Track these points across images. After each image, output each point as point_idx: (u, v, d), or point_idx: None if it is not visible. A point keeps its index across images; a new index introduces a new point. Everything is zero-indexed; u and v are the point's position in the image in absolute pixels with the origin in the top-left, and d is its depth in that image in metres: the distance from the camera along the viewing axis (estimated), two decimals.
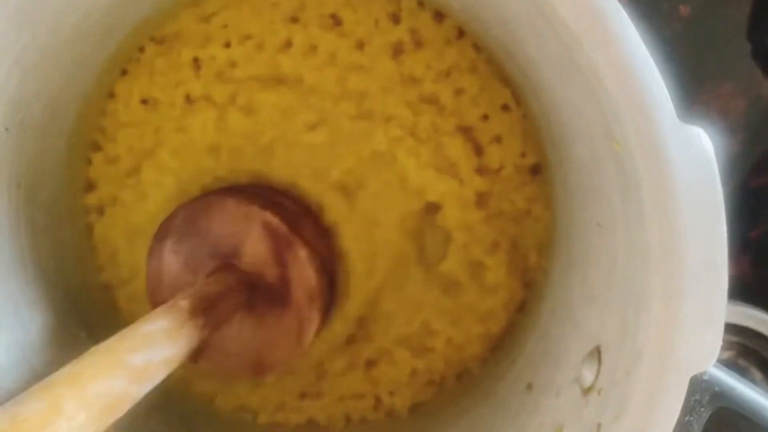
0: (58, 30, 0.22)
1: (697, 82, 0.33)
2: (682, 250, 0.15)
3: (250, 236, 0.25)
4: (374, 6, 0.27)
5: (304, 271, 0.25)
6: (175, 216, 0.26)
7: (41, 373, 0.24)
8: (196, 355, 0.21)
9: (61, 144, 0.27)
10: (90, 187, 0.29)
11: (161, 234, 0.26)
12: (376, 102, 0.27)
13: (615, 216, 0.17)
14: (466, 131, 0.28)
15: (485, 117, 0.28)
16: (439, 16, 0.27)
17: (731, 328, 0.31)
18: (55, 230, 0.28)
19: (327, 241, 0.28)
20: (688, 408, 0.17)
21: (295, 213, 0.27)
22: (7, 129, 0.23)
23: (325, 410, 0.29)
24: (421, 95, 0.27)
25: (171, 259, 0.26)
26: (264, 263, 0.25)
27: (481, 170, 0.28)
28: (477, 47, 0.27)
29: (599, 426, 0.17)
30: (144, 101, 0.29)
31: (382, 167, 0.27)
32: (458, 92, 0.27)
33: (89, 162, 0.29)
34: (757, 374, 0.32)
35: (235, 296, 0.24)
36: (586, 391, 0.18)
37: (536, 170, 0.28)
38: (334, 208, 0.28)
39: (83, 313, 0.28)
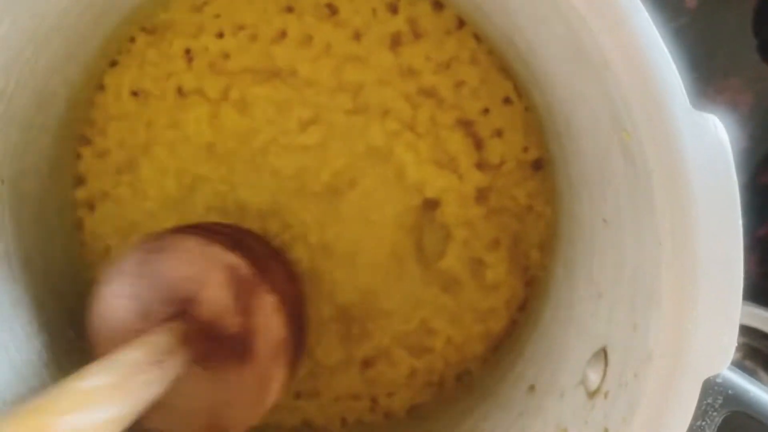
0: (42, 16, 0.21)
1: (704, 76, 0.32)
2: (695, 244, 0.14)
3: (211, 280, 0.22)
4: None
5: (270, 321, 0.22)
6: (126, 256, 0.23)
7: (24, 372, 0.23)
8: (143, 413, 0.17)
9: (49, 137, 0.26)
10: (79, 181, 0.29)
11: (110, 275, 0.23)
12: (372, 95, 0.26)
13: (622, 210, 0.16)
14: (466, 125, 0.27)
15: (486, 110, 0.27)
16: (438, 5, 0.26)
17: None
18: (43, 225, 0.27)
19: (297, 284, 0.26)
20: (701, 412, 0.16)
21: (263, 255, 0.24)
22: None
23: (320, 411, 0.29)
24: (419, 88, 0.27)
25: (119, 304, 0.22)
26: (225, 311, 0.22)
27: (481, 165, 0.27)
28: (477, 38, 0.26)
29: (606, 430, 0.16)
30: (135, 93, 0.28)
31: (378, 162, 0.27)
32: (458, 85, 0.27)
33: (78, 156, 0.28)
34: (765, 376, 0.31)
35: (191, 348, 0.21)
36: (592, 393, 0.17)
37: (538, 165, 0.27)
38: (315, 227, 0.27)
39: (71, 310, 0.27)
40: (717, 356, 0.14)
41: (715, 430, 0.16)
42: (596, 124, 0.16)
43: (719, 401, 0.16)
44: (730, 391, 0.16)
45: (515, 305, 0.28)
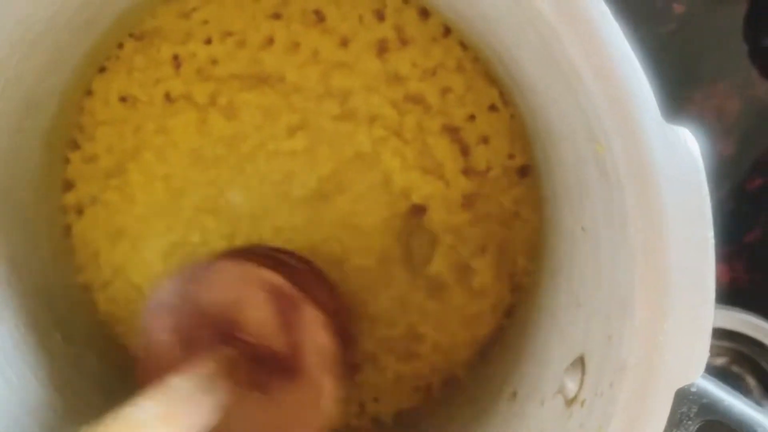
0: (29, 23, 0.21)
1: (691, 82, 0.32)
2: (667, 257, 0.14)
3: (251, 301, 0.22)
4: (358, 2, 0.26)
5: (316, 336, 0.22)
6: (163, 288, 0.23)
7: (9, 376, 0.23)
8: None
9: (37, 141, 0.26)
10: (68, 186, 0.29)
11: (150, 310, 0.23)
12: (360, 101, 0.27)
13: (599, 221, 0.16)
14: (452, 131, 0.27)
15: (472, 117, 0.27)
16: (424, 12, 0.26)
17: (725, 334, 0.31)
18: (31, 229, 0.27)
19: (337, 298, 0.25)
20: (675, 421, 0.16)
21: (299, 270, 0.24)
22: None
23: None
24: (406, 94, 0.27)
25: (163, 337, 0.22)
26: (269, 330, 0.22)
27: (467, 171, 0.27)
28: (463, 45, 0.26)
29: None
30: (123, 99, 0.28)
31: (366, 168, 0.27)
32: (444, 91, 0.27)
33: (67, 161, 0.28)
34: (751, 381, 0.31)
35: (240, 372, 0.21)
36: (570, 401, 0.17)
37: (524, 172, 0.27)
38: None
39: (59, 314, 0.27)
40: (689, 367, 0.14)
41: None
42: (573, 134, 0.16)
43: (694, 410, 0.16)
44: (704, 400, 0.16)
45: (501, 311, 0.28)
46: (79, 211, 0.29)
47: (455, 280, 0.28)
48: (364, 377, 0.28)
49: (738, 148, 0.32)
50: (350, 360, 0.25)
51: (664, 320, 0.14)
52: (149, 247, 0.28)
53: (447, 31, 0.26)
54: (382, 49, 0.27)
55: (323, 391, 0.22)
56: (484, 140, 0.27)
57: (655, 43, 0.31)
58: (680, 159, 0.14)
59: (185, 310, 0.22)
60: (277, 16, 0.27)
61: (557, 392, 0.19)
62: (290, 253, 0.25)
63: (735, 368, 0.31)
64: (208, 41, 0.27)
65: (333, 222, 0.27)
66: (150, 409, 0.16)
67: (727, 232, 0.32)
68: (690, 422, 0.16)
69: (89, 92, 0.28)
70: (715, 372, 0.32)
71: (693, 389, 0.16)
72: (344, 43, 0.27)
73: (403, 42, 0.27)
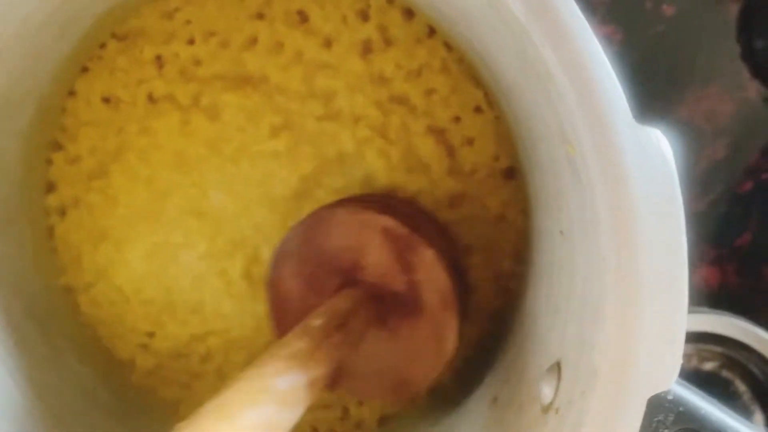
0: (2, 23, 0.21)
1: (682, 84, 0.32)
2: (638, 262, 0.13)
3: (370, 245, 0.23)
4: (342, 2, 0.26)
5: (433, 273, 0.23)
6: (288, 239, 0.24)
7: None
8: (332, 381, 0.19)
9: (18, 142, 0.26)
10: (51, 187, 0.28)
11: (278, 260, 0.24)
12: (344, 102, 0.26)
13: (573, 224, 0.16)
14: (437, 133, 0.27)
15: (457, 118, 0.27)
16: (408, 13, 0.26)
17: (715, 339, 0.30)
18: (12, 231, 0.27)
19: (448, 238, 0.26)
20: (651, 429, 0.16)
21: (411, 215, 0.25)
22: None
23: None
24: (391, 95, 0.26)
25: (292, 285, 0.24)
26: (389, 272, 0.23)
27: (453, 172, 0.27)
28: (448, 46, 0.26)
29: None
30: (106, 99, 0.28)
31: (347, 168, 0.26)
32: (429, 92, 0.26)
33: (50, 162, 0.28)
34: (741, 386, 0.31)
35: (365, 311, 0.22)
36: (546, 408, 0.17)
37: (510, 174, 0.27)
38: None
39: (40, 316, 0.27)
40: (662, 374, 0.14)
41: None
42: (549, 136, 0.16)
43: (670, 418, 0.16)
44: (681, 408, 0.16)
45: (487, 314, 0.28)
46: (62, 213, 0.28)
47: None
48: None
49: (729, 150, 0.32)
50: (466, 294, 0.26)
51: (635, 327, 0.14)
52: (132, 249, 0.28)
53: (431, 31, 0.26)
54: (366, 49, 0.26)
55: (444, 326, 0.23)
56: (469, 142, 0.27)
57: (645, 44, 0.31)
58: (652, 160, 0.13)
59: (310, 256, 0.24)
60: (260, 17, 0.27)
61: (535, 398, 0.18)
62: (398, 198, 0.26)
63: (724, 373, 0.31)
64: (191, 41, 0.27)
65: None
66: (297, 345, 0.18)
67: (718, 235, 0.32)
68: (666, 430, 0.16)
69: (72, 93, 0.28)
70: (704, 376, 0.31)
71: (669, 397, 0.16)
72: (328, 43, 0.26)
73: (387, 42, 0.26)
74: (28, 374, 0.25)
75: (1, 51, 0.22)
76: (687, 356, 0.31)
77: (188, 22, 0.27)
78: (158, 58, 0.27)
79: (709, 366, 0.31)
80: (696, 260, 0.32)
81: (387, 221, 0.23)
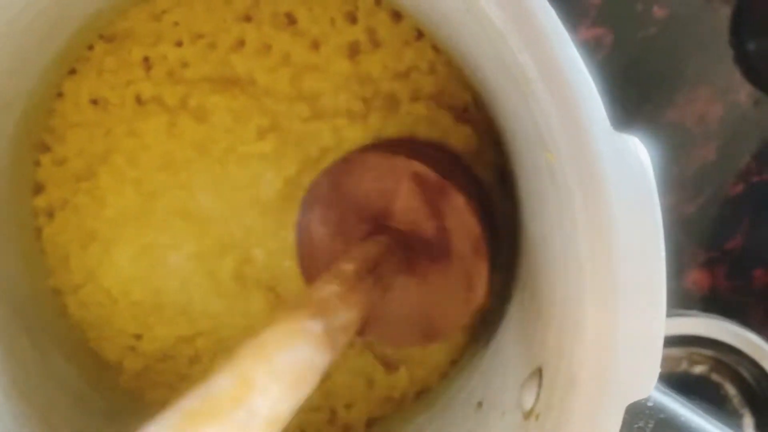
0: None
1: (673, 87, 0.32)
2: (615, 270, 0.13)
3: (400, 191, 0.23)
4: (330, 5, 0.26)
5: (463, 219, 0.23)
6: (317, 184, 0.24)
7: None
8: (361, 327, 0.18)
9: (5, 144, 0.26)
10: (39, 189, 0.28)
11: (307, 205, 0.24)
12: (328, 101, 0.26)
13: (554, 230, 0.16)
14: None
15: None
16: (396, 16, 0.26)
17: (705, 342, 0.30)
18: (1, 233, 0.27)
19: (479, 183, 0.26)
20: None
21: (443, 160, 0.25)
22: None
23: None
24: (376, 93, 0.26)
25: (321, 230, 0.24)
26: (419, 217, 0.23)
27: None
28: (436, 49, 0.26)
29: None
30: (94, 101, 0.28)
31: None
32: (416, 93, 0.26)
33: (37, 163, 0.28)
34: (731, 390, 0.31)
35: (395, 257, 0.22)
36: (527, 414, 0.17)
37: (502, 178, 0.27)
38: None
39: (28, 318, 0.27)
40: (640, 382, 0.14)
41: None
42: (529, 142, 0.16)
43: (651, 425, 0.16)
44: (661, 415, 0.16)
45: (478, 318, 0.28)
46: (50, 215, 0.28)
47: None
48: (336, 383, 0.28)
49: (720, 153, 0.32)
50: (497, 241, 0.25)
51: (613, 334, 0.14)
52: (120, 250, 0.28)
53: (420, 34, 0.26)
54: (353, 51, 0.26)
55: (474, 271, 0.23)
56: None
57: (636, 47, 0.31)
58: (629, 168, 0.13)
59: (339, 202, 0.24)
60: (247, 19, 0.27)
61: (517, 404, 0.18)
62: (429, 143, 0.26)
63: (714, 376, 0.31)
64: (179, 43, 0.27)
65: None
66: (330, 289, 0.18)
67: (709, 238, 0.32)
68: None
69: (60, 94, 0.28)
70: (694, 380, 0.31)
71: (650, 404, 0.16)
72: (315, 45, 0.26)
73: (375, 45, 0.26)
74: (13, 377, 0.25)
75: None
76: (677, 360, 0.31)
77: (176, 23, 0.27)
78: (146, 59, 0.27)
79: (699, 369, 0.31)
80: (686, 263, 0.32)
81: (417, 166, 0.23)
